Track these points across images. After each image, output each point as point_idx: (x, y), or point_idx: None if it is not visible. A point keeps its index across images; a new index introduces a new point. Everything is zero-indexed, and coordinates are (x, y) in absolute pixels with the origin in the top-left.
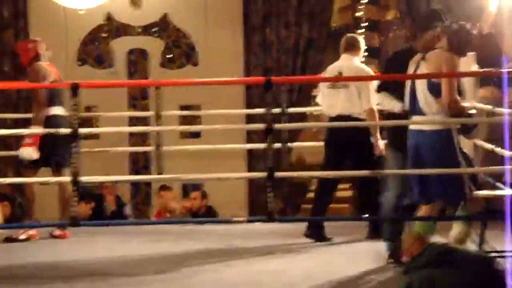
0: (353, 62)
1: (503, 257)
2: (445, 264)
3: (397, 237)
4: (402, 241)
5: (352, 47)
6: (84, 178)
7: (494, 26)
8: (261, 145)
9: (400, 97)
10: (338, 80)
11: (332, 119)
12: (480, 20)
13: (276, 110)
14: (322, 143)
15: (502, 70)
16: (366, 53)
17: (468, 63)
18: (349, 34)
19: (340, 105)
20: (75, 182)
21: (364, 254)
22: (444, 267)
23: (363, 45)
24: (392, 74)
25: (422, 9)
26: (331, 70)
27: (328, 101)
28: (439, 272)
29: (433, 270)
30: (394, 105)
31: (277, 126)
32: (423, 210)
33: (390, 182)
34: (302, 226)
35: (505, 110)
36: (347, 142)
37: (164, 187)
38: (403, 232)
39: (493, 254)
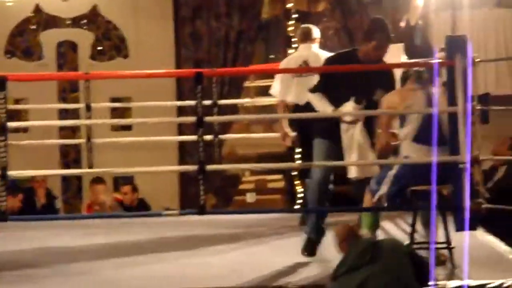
0: (315, 51)
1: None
2: (367, 263)
3: (318, 229)
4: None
5: (309, 36)
6: (12, 172)
7: (421, 18)
8: (192, 138)
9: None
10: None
11: (301, 107)
12: (407, 12)
13: (207, 103)
14: (252, 135)
15: (431, 60)
16: (295, 44)
17: (397, 53)
18: (303, 25)
19: None
20: (3, 176)
21: (292, 245)
22: (367, 266)
23: (318, 34)
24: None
25: (351, 1)
26: (295, 60)
27: (297, 90)
28: (363, 273)
29: (356, 273)
30: (325, 108)
31: (207, 118)
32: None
33: (313, 169)
34: (233, 218)
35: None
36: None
37: (96, 180)
38: (324, 225)
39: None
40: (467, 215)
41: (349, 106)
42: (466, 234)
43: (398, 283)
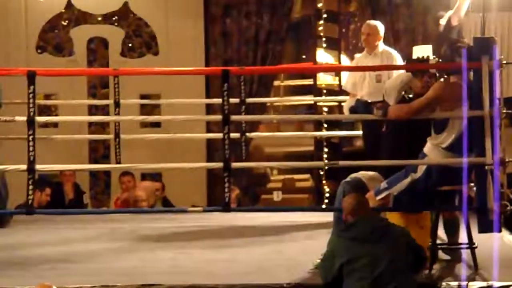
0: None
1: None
2: (374, 242)
3: None
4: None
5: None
6: (39, 166)
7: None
8: (219, 135)
9: None
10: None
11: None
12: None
13: (235, 101)
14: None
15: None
16: (325, 44)
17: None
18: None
19: None
20: (30, 170)
21: (319, 244)
22: (374, 245)
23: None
24: None
25: (382, 1)
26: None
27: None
28: (368, 250)
29: (360, 246)
30: None
31: (234, 117)
32: None
33: None
34: (259, 216)
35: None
36: None
37: (125, 173)
38: None
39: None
40: (494, 216)
41: None
42: (494, 235)
43: (394, 268)
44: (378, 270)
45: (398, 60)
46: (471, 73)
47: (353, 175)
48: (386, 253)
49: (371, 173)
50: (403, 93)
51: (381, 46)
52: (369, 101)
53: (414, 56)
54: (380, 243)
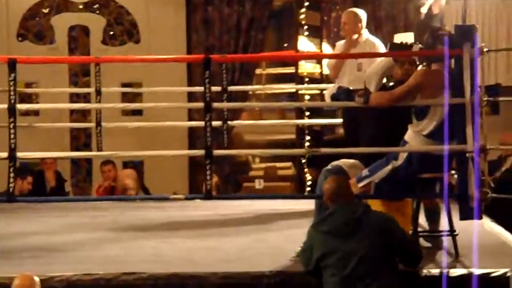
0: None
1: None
2: (348, 235)
3: None
4: None
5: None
6: (20, 154)
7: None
8: (201, 123)
9: None
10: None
11: None
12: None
13: (217, 89)
14: (260, 122)
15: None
16: (307, 32)
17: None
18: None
19: None
20: (11, 157)
21: (300, 233)
22: (347, 240)
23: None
24: None
25: None
26: None
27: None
28: (342, 246)
29: (334, 241)
30: None
31: (215, 104)
32: None
33: None
34: (240, 204)
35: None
36: None
37: (106, 162)
38: None
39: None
40: (475, 204)
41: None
42: (475, 222)
43: (368, 264)
44: (350, 266)
45: (382, 50)
46: (453, 60)
47: (334, 163)
48: (359, 249)
49: (351, 160)
50: (384, 80)
51: (365, 34)
52: (351, 88)
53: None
54: (354, 237)
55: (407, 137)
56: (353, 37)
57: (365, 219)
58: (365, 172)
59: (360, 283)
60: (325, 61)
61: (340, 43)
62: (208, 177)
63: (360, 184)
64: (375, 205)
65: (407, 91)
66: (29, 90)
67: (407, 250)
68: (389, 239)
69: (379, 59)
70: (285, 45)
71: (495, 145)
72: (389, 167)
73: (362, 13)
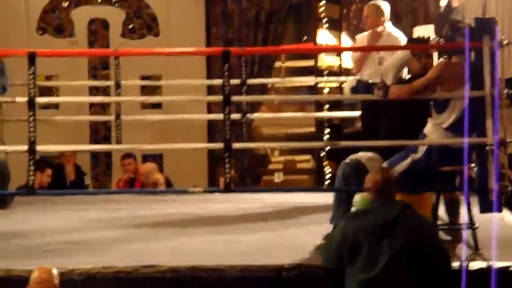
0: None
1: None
2: (384, 237)
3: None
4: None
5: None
6: (40, 147)
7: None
8: (220, 116)
9: None
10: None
11: None
12: None
13: (236, 82)
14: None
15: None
16: (326, 25)
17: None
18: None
19: None
20: (31, 151)
21: (320, 226)
22: (383, 241)
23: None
24: None
25: None
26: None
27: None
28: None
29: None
30: None
31: (234, 97)
32: None
33: None
34: (261, 197)
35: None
36: None
37: (126, 155)
38: None
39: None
40: (495, 197)
41: None
42: (495, 215)
43: (393, 271)
44: (377, 267)
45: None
46: (473, 53)
47: (352, 156)
48: (390, 251)
49: (370, 154)
50: (401, 73)
51: (388, 27)
52: (370, 81)
53: (415, 37)
54: (386, 238)
55: (426, 130)
56: (377, 30)
57: (402, 220)
58: (384, 165)
59: (385, 285)
60: (345, 54)
61: (363, 35)
62: (227, 170)
63: None
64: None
65: (427, 83)
66: (48, 83)
67: (435, 259)
68: (421, 244)
69: (397, 52)
70: (304, 38)
71: None
72: (409, 160)
73: (385, 6)
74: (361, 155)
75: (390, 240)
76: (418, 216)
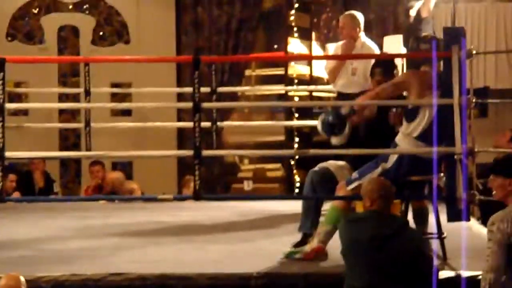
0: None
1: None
2: (377, 248)
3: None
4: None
5: None
6: (9, 153)
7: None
8: (190, 124)
9: None
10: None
11: None
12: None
13: (207, 90)
14: (249, 123)
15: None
16: (297, 34)
17: (396, 45)
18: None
19: None
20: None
21: (288, 234)
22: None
23: None
24: None
25: None
26: None
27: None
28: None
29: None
30: None
31: (204, 104)
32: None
33: None
34: (229, 205)
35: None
36: None
37: (95, 162)
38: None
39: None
40: (462, 205)
41: None
42: (463, 225)
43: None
44: (366, 277)
45: None
46: (441, 63)
47: (321, 164)
48: (382, 264)
49: (340, 162)
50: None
51: (362, 38)
52: (344, 92)
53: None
54: (381, 250)
55: (397, 139)
56: (351, 40)
57: (399, 237)
58: (354, 175)
59: None
60: (315, 63)
61: (337, 45)
62: (197, 178)
63: (350, 187)
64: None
65: (392, 87)
66: (18, 90)
67: (424, 273)
68: (414, 261)
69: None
70: (275, 46)
71: (485, 148)
72: (379, 169)
73: (360, 16)
74: (331, 163)
75: (384, 253)
76: (414, 233)
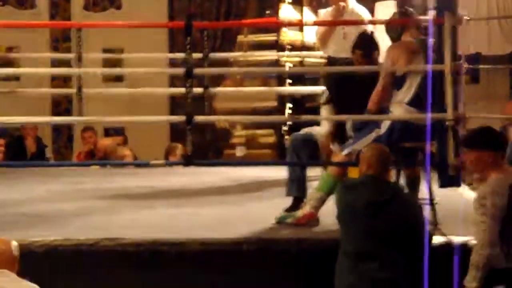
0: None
1: None
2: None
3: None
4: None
5: None
6: (0, 119)
7: None
8: (182, 90)
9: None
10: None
11: None
12: None
13: (199, 56)
14: (242, 89)
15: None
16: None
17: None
18: None
19: None
20: None
21: (281, 199)
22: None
23: None
24: None
25: None
26: None
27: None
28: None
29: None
30: None
31: (197, 70)
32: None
33: None
34: (222, 170)
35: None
36: None
37: (86, 128)
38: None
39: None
40: (454, 171)
41: None
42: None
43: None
44: (359, 243)
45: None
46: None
47: (305, 129)
48: (376, 229)
49: (324, 128)
50: None
51: (351, 3)
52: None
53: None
54: (374, 216)
55: (391, 106)
56: (340, 5)
57: (394, 203)
58: (349, 141)
59: (365, 263)
60: (307, 29)
61: (326, 11)
62: (188, 143)
63: (344, 152)
64: (356, 172)
65: (388, 75)
66: (9, 55)
67: (418, 238)
68: (409, 226)
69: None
70: (267, 12)
71: (477, 114)
72: (373, 135)
73: None
74: (317, 129)
75: (379, 219)
76: (409, 199)
